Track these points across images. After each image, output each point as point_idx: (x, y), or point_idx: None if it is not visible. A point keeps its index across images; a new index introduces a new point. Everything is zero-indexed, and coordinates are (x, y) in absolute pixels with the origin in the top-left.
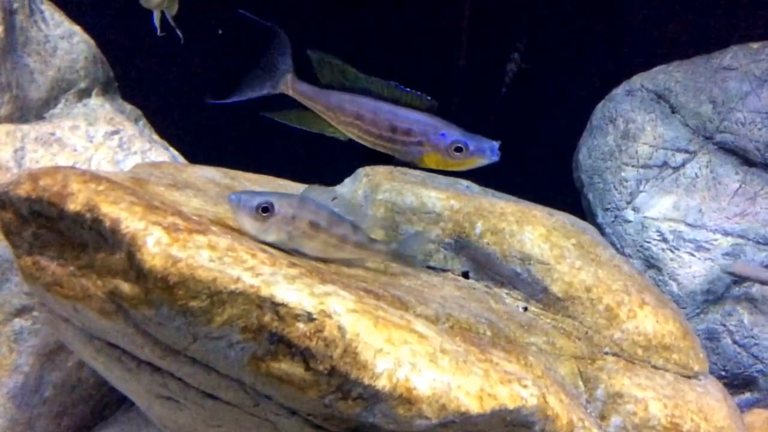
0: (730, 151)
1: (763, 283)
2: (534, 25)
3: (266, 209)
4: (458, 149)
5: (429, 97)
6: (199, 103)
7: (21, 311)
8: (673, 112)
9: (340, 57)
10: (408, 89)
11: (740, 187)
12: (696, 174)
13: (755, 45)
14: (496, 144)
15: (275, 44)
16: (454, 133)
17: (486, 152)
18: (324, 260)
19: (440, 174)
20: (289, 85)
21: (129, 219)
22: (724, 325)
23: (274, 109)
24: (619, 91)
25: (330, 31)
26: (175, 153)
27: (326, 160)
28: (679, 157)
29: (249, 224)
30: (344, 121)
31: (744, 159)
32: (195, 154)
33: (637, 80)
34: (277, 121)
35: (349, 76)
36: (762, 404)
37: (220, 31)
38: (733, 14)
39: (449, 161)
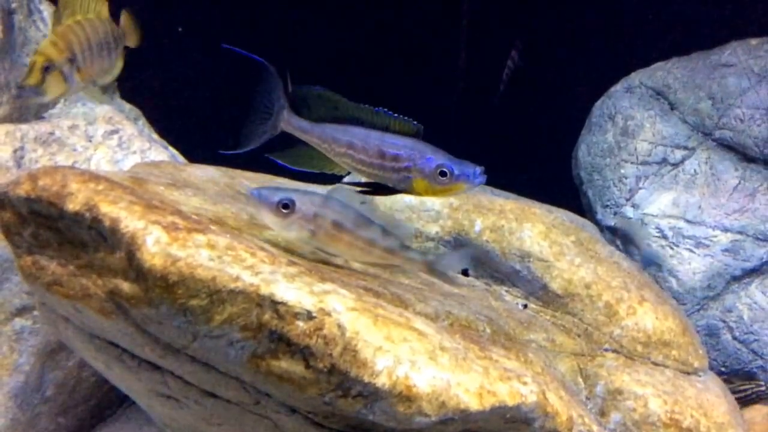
0: (730, 147)
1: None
2: (533, 23)
3: (286, 206)
4: (443, 173)
5: (416, 122)
6: (224, 153)
7: (22, 311)
8: (672, 109)
9: (328, 78)
10: (396, 115)
11: (739, 183)
12: (695, 170)
13: (754, 41)
14: (479, 169)
15: (266, 81)
16: (439, 158)
17: (470, 177)
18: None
19: None
20: (286, 121)
21: (128, 218)
22: (724, 321)
23: (280, 140)
24: (617, 88)
25: (331, 30)
26: (175, 152)
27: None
28: (678, 154)
29: (270, 220)
30: (339, 152)
31: (743, 155)
32: (194, 154)
33: (636, 77)
34: None
35: (340, 105)
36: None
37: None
38: (732, 10)
39: (436, 187)
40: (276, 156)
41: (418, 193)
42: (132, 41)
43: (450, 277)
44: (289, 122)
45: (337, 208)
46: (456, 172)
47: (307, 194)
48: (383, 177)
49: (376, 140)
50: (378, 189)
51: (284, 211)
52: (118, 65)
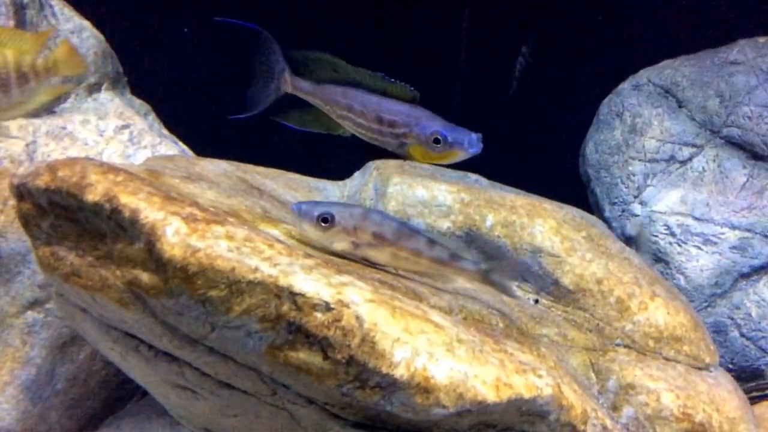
0: (737, 145)
1: None
2: (541, 19)
3: (326, 220)
4: (437, 140)
5: (412, 88)
6: (207, 99)
7: (33, 304)
8: (679, 107)
9: (328, 52)
10: (393, 80)
11: (747, 180)
12: (703, 168)
13: (762, 39)
14: (475, 136)
15: (263, 47)
16: (434, 124)
17: (464, 144)
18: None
19: (449, 167)
20: (288, 83)
21: (148, 209)
22: (732, 319)
23: (282, 105)
24: (625, 86)
25: (331, 29)
26: (184, 147)
27: (333, 154)
28: (686, 151)
29: (312, 233)
30: (340, 114)
31: (751, 153)
32: (203, 149)
33: (644, 75)
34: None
35: (339, 67)
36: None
37: (185, 29)
38: (740, 7)
39: (432, 154)
40: (281, 118)
41: (416, 159)
42: (70, 71)
43: (508, 286)
44: (292, 83)
45: (378, 220)
46: (450, 139)
47: (347, 208)
48: (381, 141)
49: (374, 105)
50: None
51: (324, 224)
52: (36, 98)
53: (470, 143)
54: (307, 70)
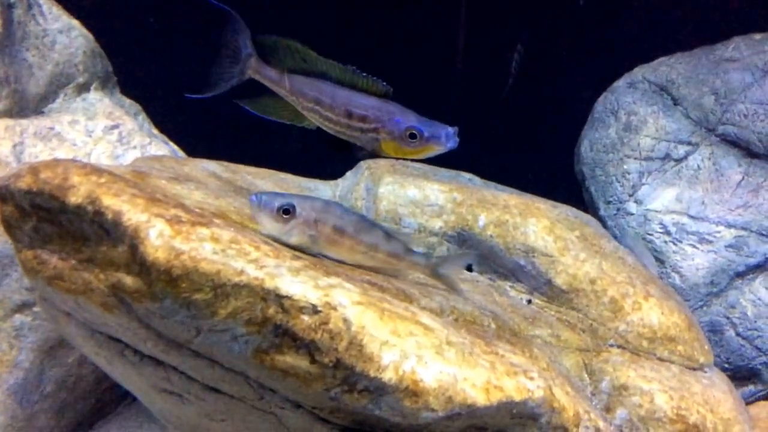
0: (733, 142)
1: None
2: (536, 17)
3: (287, 211)
4: (412, 135)
5: (385, 83)
6: (190, 97)
7: (21, 307)
8: (675, 104)
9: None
10: (365, 74)
11: (743, 178)
12: (698, 166)
13: (758, 36)
14: (451, 130)
15: (231, 29)
16: (408, 119)
17: (441, 138)
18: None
19: (441, 166)
20: (254, 68)
21: (131, 211)
22: (728, 318)
23: (251, 90)
24: (620, 84)
25: (329, 28)
26: (175, 147)
27: (325, 154)
28: (682, 149)
29: (270, 225)
30: (306, 106)
31: (747, 151)
32: (194, 149)
33: (639, 72)
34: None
35: (308, 58)
36: (765, 396)
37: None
38: (736, 4)
39: (406, 149)
40: (245, 104)
41: (388, 155)
42: None
43: (454, 281)
44: (258, 70)
45: (338, 213)
46: (426, 134)
47: (308, 200)
48: (351, 136)
49: (344, 99)
50: (348, 147)
51: (285, 216)
52: None
53: (447, 137)
54: (275, 57)
